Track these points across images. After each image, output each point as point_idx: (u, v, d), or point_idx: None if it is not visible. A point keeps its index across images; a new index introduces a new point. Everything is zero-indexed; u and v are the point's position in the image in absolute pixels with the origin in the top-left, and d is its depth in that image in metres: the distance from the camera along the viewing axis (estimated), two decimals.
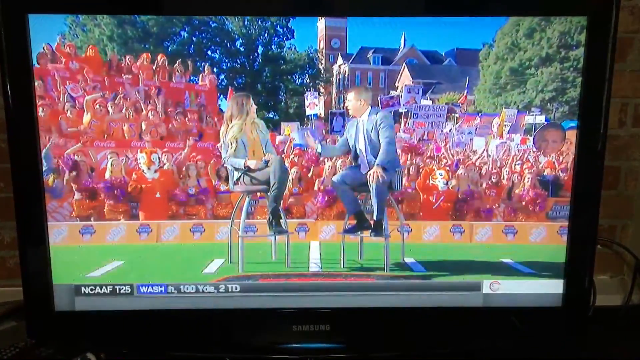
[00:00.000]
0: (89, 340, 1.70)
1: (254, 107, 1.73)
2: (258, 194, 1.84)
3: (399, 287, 1.73)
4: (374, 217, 1.80)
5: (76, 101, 1.65)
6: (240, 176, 1.83)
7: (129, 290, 1.68)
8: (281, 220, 1.82)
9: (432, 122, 1.79)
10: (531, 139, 1.75)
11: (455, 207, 1.81)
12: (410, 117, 1.78)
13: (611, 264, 2.18)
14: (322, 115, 1.80)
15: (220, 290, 1.70)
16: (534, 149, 1.76)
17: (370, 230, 1.81)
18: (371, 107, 1.78)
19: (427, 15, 1.55)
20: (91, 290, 1.67)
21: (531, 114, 1.71)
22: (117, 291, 1.68)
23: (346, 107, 1.80)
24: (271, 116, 1.78)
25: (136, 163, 1.72)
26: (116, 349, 1.70)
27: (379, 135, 1.78)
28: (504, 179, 1.82)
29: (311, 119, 1.80)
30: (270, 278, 1.73)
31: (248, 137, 1.79)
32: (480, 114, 1.78)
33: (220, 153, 1.76)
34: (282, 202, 1.80)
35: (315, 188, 1.84)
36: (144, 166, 1.73)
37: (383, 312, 1.71)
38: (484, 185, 1.81)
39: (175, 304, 1.70)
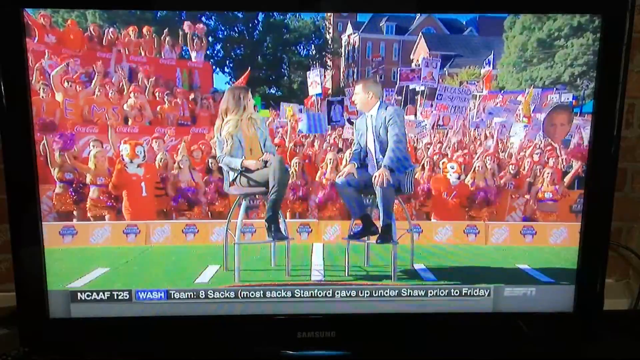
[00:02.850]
0: (84, 348, 1.64)
1: (252, 101, 1.63)
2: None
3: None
4: (381, 223, 1.70)
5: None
6: (236, 177, 1.72)
7: (127, 296, 1.62)
8: (280, 224, 1.72)
9: (455, 107, 1.67)
10: None
11: (469, 203, 1.73)
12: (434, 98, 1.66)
13: (617, 267, 2.14)
14: (329, 92, 1.69)
15: (220, 297, 1.63)
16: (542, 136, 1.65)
17: (377, 237, 1.71)
18: (380, 101, 1.67)
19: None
20: (87, 296, 1.61)
21: (557, 91, 1.60)
22: (115, 297, 1.62)
23: (352, 101, 1.68)
24: (272, 92, 1.67)
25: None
26: (113, 357, 1.64)
27: (387, 133, 1.67)
28: (524, 169, 1.73)
29: (315, 99, 1.69)
30: (269, 289, 1.64)
31: (244, 134, 1.69)
32: (502, 91, 1.67)
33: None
34: (280, 207, 1.69)
35: (317, 179, 1.75)
36: (127, 159, 1.63)
37: (390, 318, 1.67)
38: (502, 178, 1.72)
39: (175, 310, 1.63)
